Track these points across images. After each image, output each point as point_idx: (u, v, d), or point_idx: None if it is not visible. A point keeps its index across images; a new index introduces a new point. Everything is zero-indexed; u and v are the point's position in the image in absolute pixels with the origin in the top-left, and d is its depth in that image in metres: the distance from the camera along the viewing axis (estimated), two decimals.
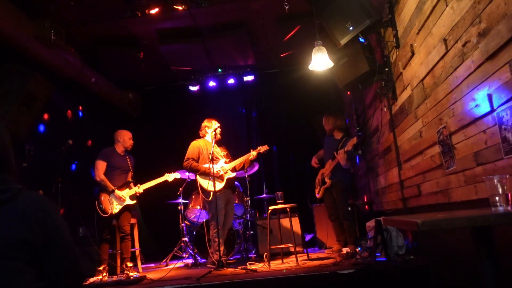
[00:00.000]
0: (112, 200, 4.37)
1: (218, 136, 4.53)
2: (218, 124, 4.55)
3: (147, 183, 4.57)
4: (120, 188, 4.43)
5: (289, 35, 4.78)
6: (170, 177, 4.78)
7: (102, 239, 4.36)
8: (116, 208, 4.35)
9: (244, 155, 4.60)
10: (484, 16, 2.08)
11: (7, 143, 1.17)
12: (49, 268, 1.05)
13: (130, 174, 4.58)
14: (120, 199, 4.38)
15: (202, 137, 4.63)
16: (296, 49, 5.76)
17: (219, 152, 4.59)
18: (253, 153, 4.58)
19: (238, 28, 5.43)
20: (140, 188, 4.50)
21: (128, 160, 4.62)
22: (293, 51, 5.77)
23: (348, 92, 5.93)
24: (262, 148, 4.69)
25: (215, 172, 4.26)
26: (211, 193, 4.33)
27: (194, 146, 4.53)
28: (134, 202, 4.47)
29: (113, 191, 4.37)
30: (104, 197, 4.35)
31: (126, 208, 4.44)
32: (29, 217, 1.04)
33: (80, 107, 6.14)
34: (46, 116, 5.19)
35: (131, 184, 4.51)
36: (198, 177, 4.47)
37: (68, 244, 1.12)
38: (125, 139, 4.60)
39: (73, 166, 5.73)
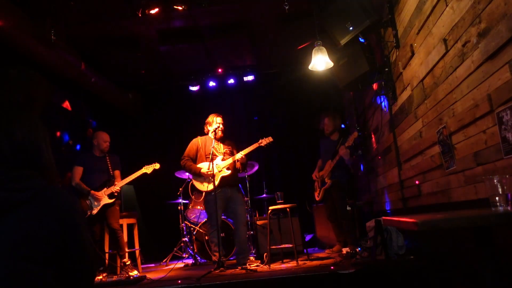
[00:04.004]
0: (89, 202, 4.40)
1: (220, 133, 4.39)
2: (219, 123, 4.40)
3: (124, 179, 4.55)
4: (98, 188, 4.45)
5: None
6: (148, 169, 4.68)
7: (95, 242, 4.38)
8: (95, 209, 4.37)
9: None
10: (484, 16, 2.08)
11: (37, 137, 1.15)
12: (64, 267, 1.05)
13: (109, 173, 4.58)
14: (97, 199, 4.40)
15: (206, 133, 4.51)
16: (296, 49, 5.73)
17: (220, 148, 4.44)
18: (238, 155, 4.31)
19: (238, 28, 5.42)
20: (117, 186, 4.48)
21: (108, 160, 4.63)
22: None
23: (351, 93, 5.93)
24: (265, 141, 4.38)
25: (206, 171, 4.19)
26: (204, 193, 4.29)
27: (193, 144, 4.47)
28: (111, 201, 4.43)
29: (88, 192, 4.39)
30: (82, 201, 4.37)
31: (107, 207, 4.43)
32: (51, 217, 1.03)
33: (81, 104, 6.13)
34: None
35: (110, 183, 4.51)
36: (192, 177, 4.43)
37: (86, 244, 1.12)
38: (100, 142, 4.62)
39: None
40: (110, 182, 4.51)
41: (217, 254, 4.01)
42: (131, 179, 4.56)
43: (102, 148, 4.62)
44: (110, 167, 4.62)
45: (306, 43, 5.23)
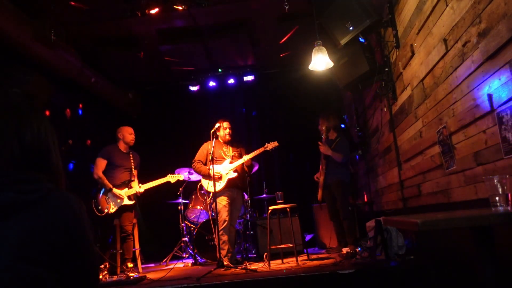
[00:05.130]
0: (109, 199, 4.33)
1: (227, 137, 4.55)
2: (219, 125, 4.53)
3: (149, 183, 4.54)
4: (119, 187, 4.39)
5: (286, 37, 4.72)
6: (172, 178, 4.74)
7: (105, 240, 4.35)
8: (112, 208, 4.31)
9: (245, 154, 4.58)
10: (484, 16, 2.08)
11: (46, 138, 1.13)
12: (68, 273, 1.03)
13: (131, 172, 4.53)
14: (117, 198, 4.35)
15: (216, 137, 4.61)
16: (296, 49, 5.76)
17: (229, 151, 4.58)
18: (243, 159, 4.46)
19: (238, 28, 5.42)
20: (142, 188, 4.46)
21: (131, 157, 4.57)
22: (292, 51, 5.76)
23: (349, 93, 5.93)
24: (270, 145, 4.52)
25: (216, 173, 4.29)
26: (211, 194, 4.39)
27: (203, 148, 4.59)
28: (132, 202, 4.41)
29: (110, 189, 4.32)
30: (101, 196, 4.32)
31: (125, 208, 4.39)
32: (58, 220, 1.02)
33: (80, 105, 6.13)
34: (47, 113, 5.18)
35: (132, 183, 4.47)
36: (202, 178, 4.57)
37: (91, 250, 1.11)
38: (125, 134, 4.56)
39: (71, 166, 5.73)
40: (134, 182, 4.47)
41: (223, 252, 4.15)
42: (154, 185, 4.55)
43: (127, 141, 4.55)
44: (133, 166, 4.55)
45: (291, 32, 5.25)
